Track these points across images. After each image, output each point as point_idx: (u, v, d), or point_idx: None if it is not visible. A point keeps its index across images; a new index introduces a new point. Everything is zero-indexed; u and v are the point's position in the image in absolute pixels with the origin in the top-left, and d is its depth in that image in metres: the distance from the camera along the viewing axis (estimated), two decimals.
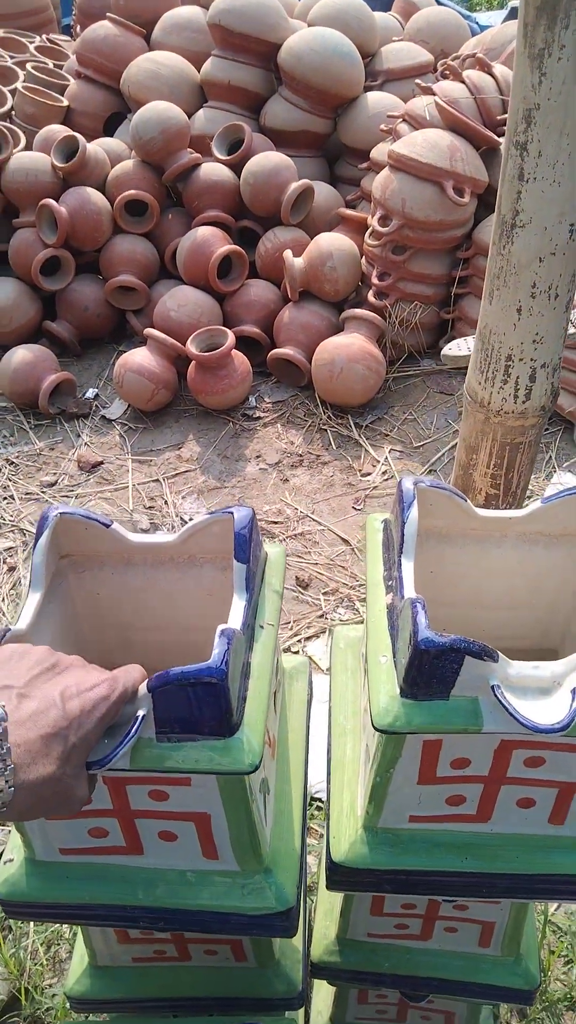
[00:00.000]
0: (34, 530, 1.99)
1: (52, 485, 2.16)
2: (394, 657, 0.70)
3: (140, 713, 0.63)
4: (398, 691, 0.67)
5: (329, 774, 0.83)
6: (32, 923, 1.28)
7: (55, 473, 2.20)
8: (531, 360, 0.93)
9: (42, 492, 2.14)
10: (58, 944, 1.26)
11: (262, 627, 0.75)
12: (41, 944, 1.24)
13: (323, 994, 1.14)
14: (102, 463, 2.23)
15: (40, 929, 1.27)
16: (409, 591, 0.71)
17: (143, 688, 0.63)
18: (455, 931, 0.89)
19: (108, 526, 0.79)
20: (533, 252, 0.90)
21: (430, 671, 0.64)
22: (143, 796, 0.69)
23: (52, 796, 0.54)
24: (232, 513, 0.77)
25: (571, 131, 0.83)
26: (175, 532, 0.80)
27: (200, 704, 0.63)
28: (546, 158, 0.85)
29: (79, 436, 2.32)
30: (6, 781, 0.51)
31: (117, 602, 0.85)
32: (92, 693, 0.59)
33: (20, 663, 0.60)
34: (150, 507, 2.08)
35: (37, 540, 0.76)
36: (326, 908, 0.97)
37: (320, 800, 1.40)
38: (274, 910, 0.72)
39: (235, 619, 0.70)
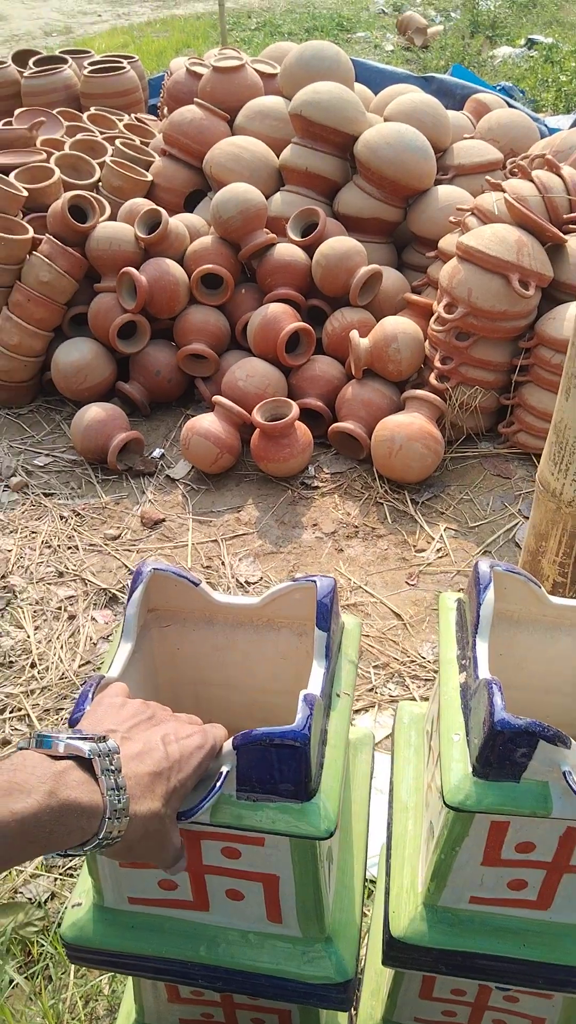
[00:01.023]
0: (95, 581, 2.06)
1: (115, 538, 2.23)
2: (467, 736, 0.72)
3: (224, 769, 0.66)
4: (470, 770, 0.69)
5: (389, 850, 0.84)
6: (72, 977, 1.28)
7: (119, 527, 2.27)
8: None
9: (105, 544, 2.21)
10: (96, 1000, 1.26)
11: (338, 695, 0.77)
12: (80, 998, 1.24)
13: None
14: (164, 520, 2.29)
15: (80, 983, 1.27)
16: (484, 672, 0.73)
17: (228, 745, 0.67)
18: None
19: (197, 584, 0.83)
20: None
21: (504, 752, 0.66)
22: (216, 852, 0.71)
23: (155, 834, 0.58)
24: (315, 582, 0.80)
25: None
26: (258, 596, 0.84)
27: (282, 766, 0.66)
28: None
29: (143, 493, 2.40)
30: (123, 810, 0.54)
31: (195, 658, 0.89)
32: (189, 741, 0.63)
33: (120, 712, 0.64)
34: (207, 566, 2.13)
35: (132, 593, 0.80)
36: (372, 988, 0.97)
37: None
38: (333, 981, 0.73)
39: (314, 685, 0.73)
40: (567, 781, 0.65)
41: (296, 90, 2.90)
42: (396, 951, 0.77)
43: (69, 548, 2.20)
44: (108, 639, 1.93)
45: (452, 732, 0.72)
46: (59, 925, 1.38)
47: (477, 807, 0.67)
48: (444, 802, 0.68)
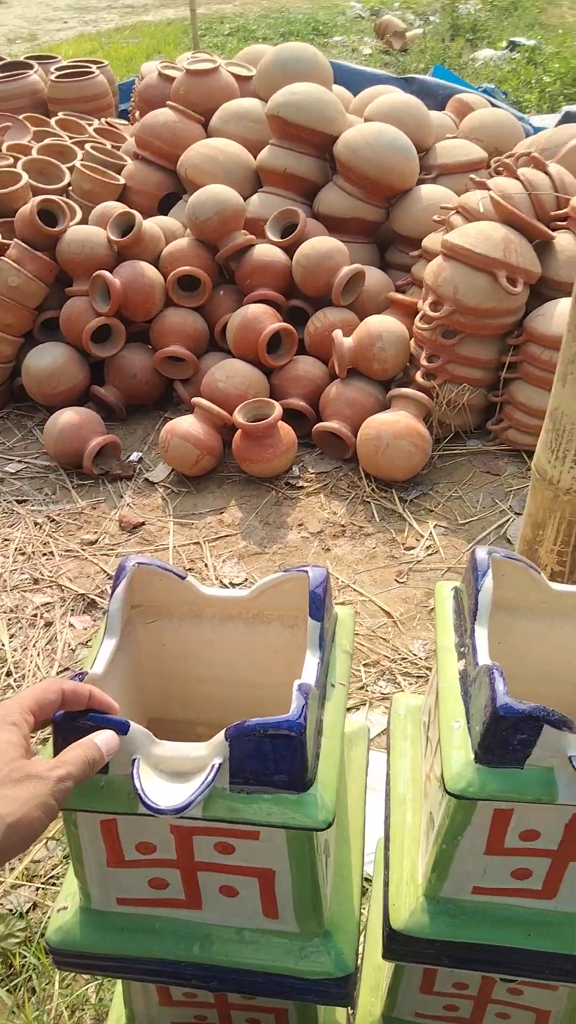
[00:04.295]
0: (72, 586, 2.02)
1: (92, 543, 2.19)
2: (468, 723, 0.70)
3: (216, 761, 0.63)
4: (472, 756, 0.67)
5: (387, 842, 0.81)
6: (57, 987, 1.24)
7: (96, 532, 2.23)
8: None
9: (82, 549, 2.17)
10: (83, 1009, 1.22)
11: (333, 686, 0.75)
12: (66, 1008, 1.20)
13: None
14: (143, 524, 2.26)
15: (65, 993, 1.23)
16: (484, 658, 0.72)
17: (220, 737, 0.64)
18: (507, 1017, 0.85)
19: (183, 578, 0.80)
20: None
21: (506, 738, 0.64)
22: (209, 848, 0.68)
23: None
24: (307, 572, 0.78)
25: None
26: (248, 588, 0.82)
27: (277, 757, 0.63)
28: None
29: (121, 497, 2.36)
30: None
31: (183, 654, 0.86)
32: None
33: None
34: (190, 569, 2.10)
35: (115, 588, 0.77)
36: (371, 984, 0.94)
37: None
38: (332, 976, 0.71)
39: (308, 675, 0.71)
40: (573, 766, 0.64)
41: (272, 92, 2.89)
42: (397, 944, 0.74)
43: (44, 554, 2.16)
44: (87, 645, 1.89)
45: (452, 720, 0.70)
46: (42, 935, 1.34)
47: (480, 794, 0.65)
48: (445, 790, 0.66)
